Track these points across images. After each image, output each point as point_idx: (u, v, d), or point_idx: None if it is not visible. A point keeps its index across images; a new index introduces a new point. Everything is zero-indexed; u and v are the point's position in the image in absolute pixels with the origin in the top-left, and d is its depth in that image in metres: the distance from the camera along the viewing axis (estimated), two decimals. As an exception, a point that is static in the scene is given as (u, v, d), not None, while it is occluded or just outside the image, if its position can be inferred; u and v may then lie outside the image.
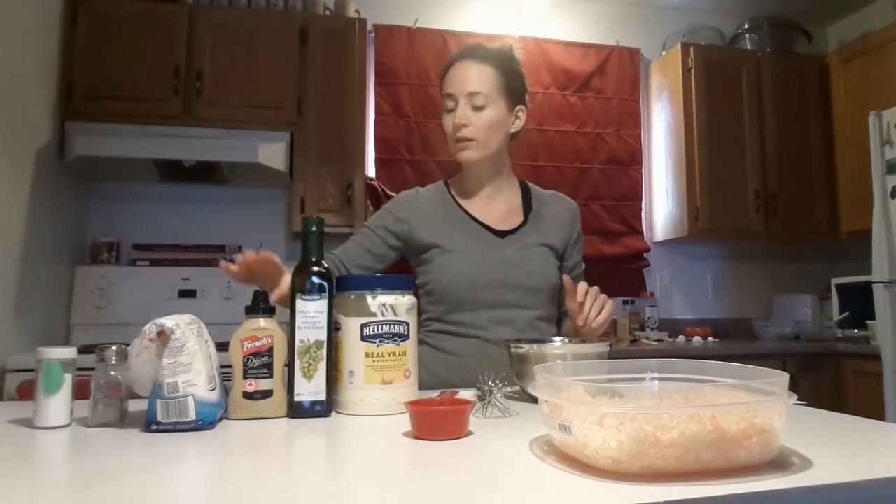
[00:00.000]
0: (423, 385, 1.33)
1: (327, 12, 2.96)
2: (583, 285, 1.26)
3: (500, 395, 0.99)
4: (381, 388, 1.00)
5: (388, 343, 1.01)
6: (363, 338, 1.00)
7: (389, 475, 0.66)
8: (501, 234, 1.43)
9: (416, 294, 1.29)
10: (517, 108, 1.44)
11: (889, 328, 2.58)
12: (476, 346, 1.36)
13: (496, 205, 1.47)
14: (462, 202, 1.47)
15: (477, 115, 1.37)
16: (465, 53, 1.41)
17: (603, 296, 1.27)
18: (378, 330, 1.01)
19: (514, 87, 1.42)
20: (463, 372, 1.34)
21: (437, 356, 1.40)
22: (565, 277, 1.30)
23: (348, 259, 1.42)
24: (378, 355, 1.00)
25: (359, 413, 1.00)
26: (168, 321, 0.87)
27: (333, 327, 1.01)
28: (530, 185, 1.55)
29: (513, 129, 1.44)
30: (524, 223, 1.46)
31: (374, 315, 1.01)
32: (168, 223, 2.94)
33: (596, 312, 1.24)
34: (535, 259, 1.41)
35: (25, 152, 2.28)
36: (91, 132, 2.48)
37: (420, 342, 1.42)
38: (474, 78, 1.37)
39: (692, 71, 3.27)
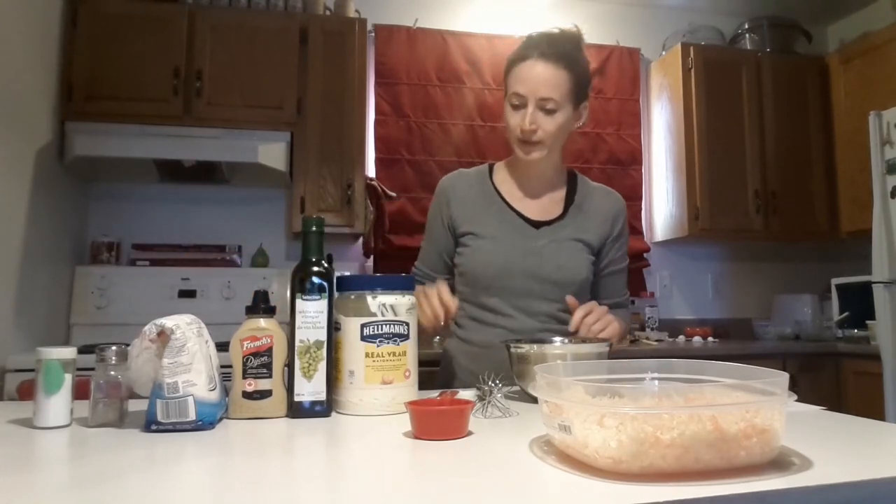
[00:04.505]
0: (455, 380, 1.43)
1: (327, 12, 2.96)
2: (580, 311, 1.26)
3: (500, 395, 0.99)
4: (380, 388, 1.00)
5: (388, 343, 1.01)
6: (363, 338, 1.00)
7: (389, 475, 0.65)
8: (536, 225, 1.43)
9: (452, 274, 1.47)
10: (582, 104, 1.41)
11: (889, 328, 2.58)
12: (502, 336, 1.36)
13: (538, 195, 1.46)
14: (502, 190, 1.47)
15: (547, 118, 1.35)
16: (541, 51, 1.34)
17: (601, 309, 1.27)
18: (378, 330, 1.01)
19: (582, 87, 1.39)
20: (491, 365, 1.34)
21: (466, 349, 1.43)
22: (568, 298, 1.33)
23: (434, 269, 1.48)
24: (378, 355, 1.00)
25: (359, 413, 1.00)
26: (168, 321, 0.87)
27: (333, 327, 1.01)
28: (580, 176, 1.52)
29: (576, 126, 1.44)
30: (562, 216, 1.45)
31: (374, 315, 1.01)
32: (168, 223, 2.94)
33: (591, 324, 1.25)
34: (567, 253, 1.40)
35: (25, 152, 2.28)
36: (91, 132, 2.48)
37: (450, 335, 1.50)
38: (548, 82, 1.33)
39: (692, 71, 3.27)
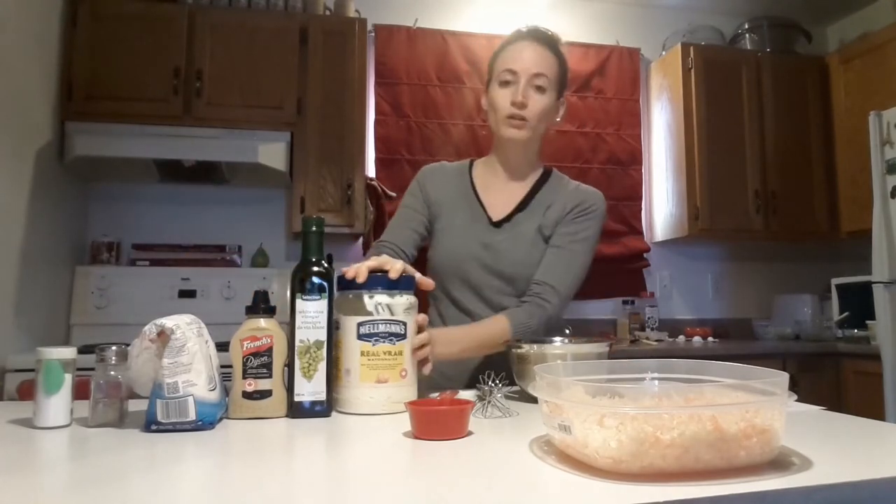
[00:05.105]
0: (427, 381, 1.35)
1: (327, 12, 2.96)
2: (420, 338, 1.08)
3: (500, 395, 0.99)
4: (375, 387, 1.00)
5: (384, 342, 1.02)
6: (359, 336, 1.01)
7: (389, 475, 0.65)
8: (498, 223, 1.43)
9: (418, 250, 1.44)
10: (561, 99, 1.44)
11: (889, 328, 2.58)
12: None
13: (509, 191, 1.46)
14: (478, 184, 1.48)
15: (537, 97, 1.37)
16: (532, 34, 1.40)
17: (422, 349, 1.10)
18: (374, 329, 1.01)
19: (564, 79, 1.44)
20: (460, 365, 1.36)
21: None
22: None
23: (403, 243, 1.42)
24: (373, 354, 1.01)
25: (355, 411, 1.00)
26: (168, 321, 0.87)
27: (334, 326, 1.01)
28: (556, 174, 1.51)
29: (555, 120, 1.45)
30: (519, 211, 1.43)
31: (370, 314, 1.02)
32: (168, 223, 2.94)
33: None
34: (524, 248, 1.39)
35: (25, 152, 2.28)
36: (91, 132, 2.48)
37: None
38: (541, 61, 1.37)
39: (692, 71, 3.27)
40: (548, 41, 1.40)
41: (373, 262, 1.07)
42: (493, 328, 1.29)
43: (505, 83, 1.38)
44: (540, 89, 1.37)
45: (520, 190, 1.46)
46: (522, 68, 1.36)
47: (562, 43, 1.45)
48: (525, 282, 1.39)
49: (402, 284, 1.05)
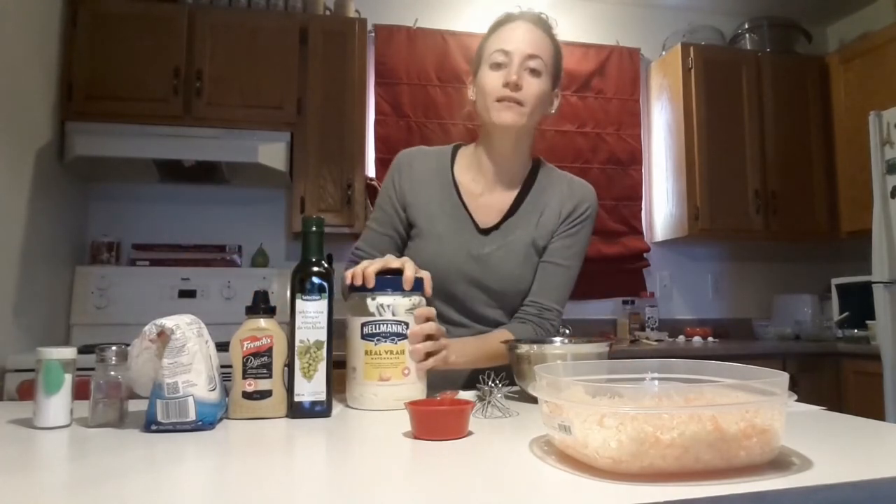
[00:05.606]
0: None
1: (327, 12, 2.96)
2: (426, 327, 1.06)
3: (500, 395, 0.99)
4: (378, 385, 1.03)
5: (386, 342, 1.03)
6: (363, 336, 1.04)
7: (389, 475, 0.66)
8: (486, 231, 1.32)
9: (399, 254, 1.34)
10: (555, 90, 1.35)
11: (889, 328, 2.58)
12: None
13: (496, 191, 1.35)
14: (461, 182, 1.36)
15: (532, 80, 1.27)
16: (526, 16, 1.31)
17: (429, 344, 1.07)
18: (376, 329, 1.04)
19: (559, 68, 1.35)
20: (442, 377, 1.25)
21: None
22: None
23: (378, 250, 1.32)
24: (376, 353, 1.03)
25: (360, 407, 1.03)
26: (168, 321, 0.87)
27: (343, 326, 1.04)
28: (545, 167, 1.40)
29: (549, 111, 1.35)
30: (511, 214, 1.34)
31: (372, 315, 1.04)
32: (168, 223, 2.94)
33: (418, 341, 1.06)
34: (514, 260, 1.30)
35: (25, 152, 2.28)
36: (91, 132, 2.48)
37: None
38: (536, 42, 1.28)
39: (692, 71, 3.27)
40: (542, 23, 1.32)
41: (378, 264, 1.07)
42: (502, 344, 1.21)
43: (496, 65, 1.28)
44: (535, 72, 1.27)
45: (509, 191, 1.35)
46: (516, 48, 1.26)
47: (555, 28, 1.37)
48: (513, 296, 1.32)
49: (403, 286, 1.07)
